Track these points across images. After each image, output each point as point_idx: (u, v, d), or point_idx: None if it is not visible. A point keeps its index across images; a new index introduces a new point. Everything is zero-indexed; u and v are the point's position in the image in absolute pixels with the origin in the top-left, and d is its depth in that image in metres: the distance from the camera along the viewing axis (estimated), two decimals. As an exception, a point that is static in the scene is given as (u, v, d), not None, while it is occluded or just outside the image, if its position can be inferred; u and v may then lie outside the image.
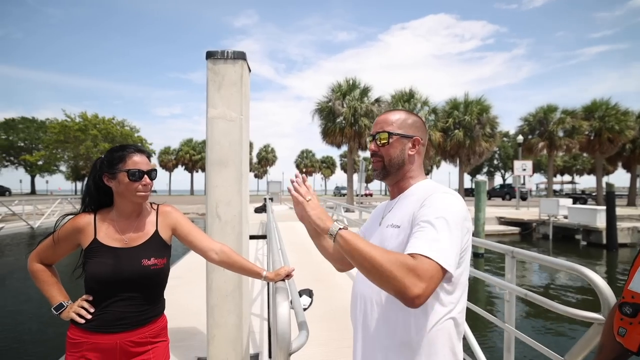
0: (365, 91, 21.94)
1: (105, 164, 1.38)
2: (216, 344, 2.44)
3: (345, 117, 20.95)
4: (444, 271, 0.85)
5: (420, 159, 1.18)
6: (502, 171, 55.45)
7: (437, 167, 59.09)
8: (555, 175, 48.01)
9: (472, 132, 21.59)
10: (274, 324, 1.31)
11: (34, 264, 1.44)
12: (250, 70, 2.72)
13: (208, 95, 2.45)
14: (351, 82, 21.97)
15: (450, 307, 0.98)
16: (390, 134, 1.12)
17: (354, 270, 1.04)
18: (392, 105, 21.49)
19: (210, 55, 2.44)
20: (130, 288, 1.36)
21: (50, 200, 18.00)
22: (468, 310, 2.55)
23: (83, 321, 1.33)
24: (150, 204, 1.54)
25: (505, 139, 46.51)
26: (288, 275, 1.58)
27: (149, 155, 1.45)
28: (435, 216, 0.92)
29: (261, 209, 17.67)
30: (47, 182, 50.33)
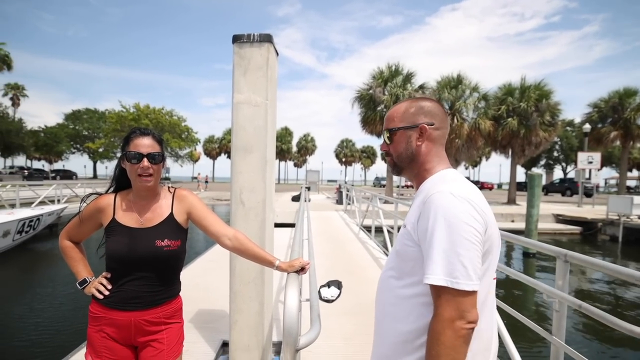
0: (408, 77, 20.96)
1: (121, 146, 1.41)
2: (238, 329, 2.45)
3: (387, 105, 20.15)
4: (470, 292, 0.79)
5: (434, 145, 1.03)
6: (564, 164, 49.56)
7: (487, 158, 55.70)
8: (630, 170, 42.08)
9: (528, 121, 19.43)
10: (283, 317, 1.25)
11: (63, 241, 1.51)
12: (277, 54, 2.64)
13: (234, 80, 2.41)
14: (393, 68, 21.05)
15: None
16: (391, 131, 1.05)
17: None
18: (437, 92, 20.37)
19: (236, 39, 2.39)
20: (144, 267, 1.38)
21: (107, 184, 19.44)
22: (510, 317, 2.36)
23: (102, 297, 1.38)
24: (168, 187, 1.54)
25: (568, 128, 41.95)
26: (302, 269, 1.52)
27: (157, 138, 1.42)
28: (435, 229, 0.83)
29: (298, 198, 17.86)
30: (106, 167, 54.57)
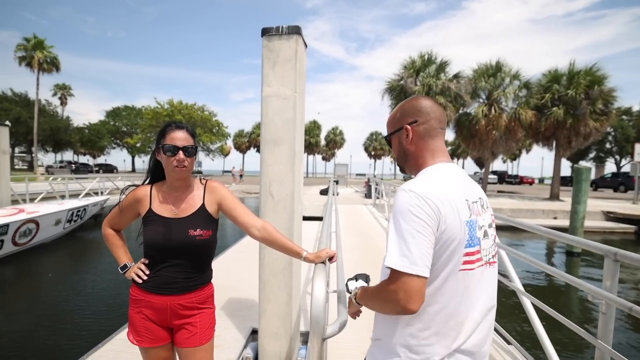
0: (442, 66, 19.86)
1: (156, 139, 1.47)
2: (267, 318, 2.52)
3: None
4: (417, 276, 0.88)
5: (423, 140, 1.09)
6: (617, 157, 44.68)
7: (527, 151, 51.96)
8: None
9: (576, 110, 17.61)
10: (310, 307, 1.27)
11: (106, 228, 1.62)
12: (306, 46, 2.64)
13: (263, 73, 2.44)
14: (426, 57, 20.02)
15: None
16: (386, 138, 1.19)
17: None
18: (473, 81, 19.25)
19: (265, 32, 2.42)
20: (178, 255, 1.44)
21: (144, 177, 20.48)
22: (550, 318, 2.25)
23: (140, 281, 1.47)
24: (200, 179, 1.60)
25: (624, 117, 38.14)
26: (330, 259, 1.53)
27: (191, 132, 1.48)
28: (392, 221, 0.95)
29: (327, 191, 17.88)
30: (143, 161, 57.32)
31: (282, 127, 2.42)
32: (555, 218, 13.98)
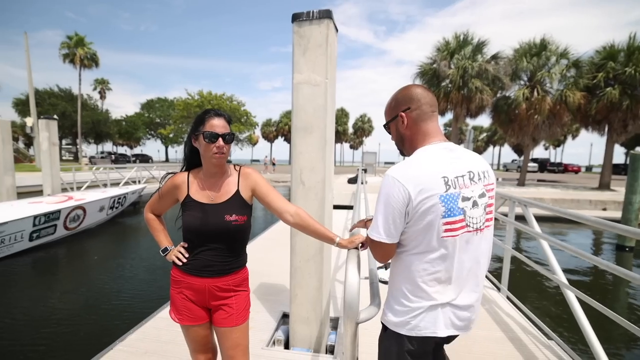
0: (479, 47, 18.58)
1: (193, 126, 1.50)
2: (298, 303, 2.56)
3: (452, 80, 18.25)
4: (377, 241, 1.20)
5: (416, 124, 1.24)
6: None
7: (574, 136, 47.78)
8: None
9: (635, 89, 15.74)
10: (344, 291, 1.26)
11: (147, 213, 1.71)
12: (337, 30, 2.59)
13: (294, 60, 2.42)
14: (461, 37, 18.81)
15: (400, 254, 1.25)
16: (385, 127, 1.36)
17: None
18: (514, 61, 17.79)
19: (295, 17, 2.39)
20: (215, 240, 1.49)
21: (177, 167, 21.36)
22: (596, 314, 2.11)
23: (180, 263, 1.53)
24: (234, 165, 1.62)
25: None
26: (363, 245, 1.52)
27: (228, 119, 1.50)
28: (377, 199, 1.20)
29: (354, 180, 17.74)
30: (176, 151, 59.72)
31: (313, 114, 2.40)
32: (604, 209, 12.96)
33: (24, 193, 12.27)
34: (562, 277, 2.64)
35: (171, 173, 1.62)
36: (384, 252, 1.23)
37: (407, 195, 1.11)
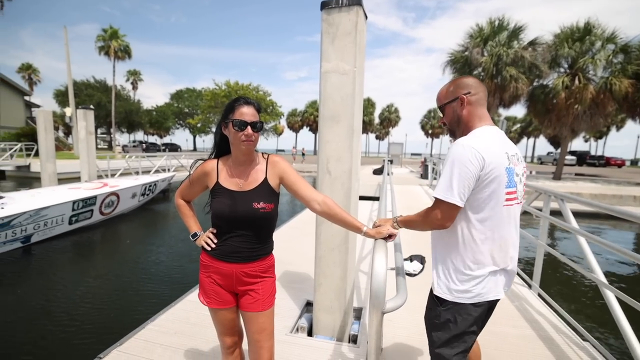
0: (515, 33, 17.44)
1: (223, 114, 1.51)
2: (322, 292, 2.57)
3: (485, 68, 17.23)
4: (449, 203, 1.28)
5: (474, 107, 1.40)
6: None
7: (618, 128, 44.26)
8: None
9: None
10: (371, 281, 1.25)
11: (178, 199, 1.76)
12: (366, 17, 2.53)
13: (322, 48, 2.39)
14: (496, 23, 17.71)
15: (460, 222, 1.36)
16: (440, 108, 1.49)
17: None
18: (553, 48, 16.59)
19: (324, 5, 2.35)
20: (243, 226, 1.52)
21: (205, 156, 21.82)
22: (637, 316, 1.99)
23: (209, 248, 1.58)
24: (262, 153, 1.63)
25: None
26: (390, 236, 1.50)
27: (258, 107, 1.51)
28: (445, 166, 1.30)
29: (380, 171, 17.53)
30: (203, 141, 61.03)
31: (340, 103, 2.37)
32: (650, 207, 12.02)
33: (63, 179, 13.05)
34: (600, 276, 2.50)
35: (201, 160, 1.65)
36: (450, 215, 1.30)
37: (482, 161, 1.24)
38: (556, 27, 17.16)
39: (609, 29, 15.91)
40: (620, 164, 37.87)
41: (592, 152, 48.18)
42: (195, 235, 1.67)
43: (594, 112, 16.11)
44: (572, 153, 38.68)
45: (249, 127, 1.44)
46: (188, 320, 2.84)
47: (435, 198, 1.31)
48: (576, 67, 16.19)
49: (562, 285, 5.80)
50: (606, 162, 37.90)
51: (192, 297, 3.23)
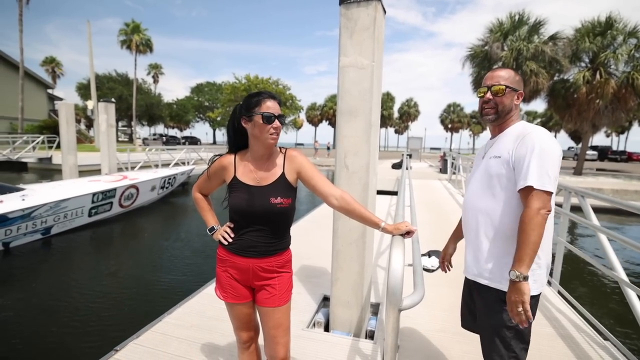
0: (535, 27, 17.42)
1: (244, 107, 1.52)
2: (339, 286, 2.60)
3: (505, 62, 17.12)
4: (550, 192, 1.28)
5: (519, 105, 1.49)
6: None
7: None
8: None
9: None
10: (388, 277, 1.26)
11: (195, 193, 1.78)
12: (385, 12, 2.51)
13: (340, 43, 2.39)
14: (517, 17, 17.71)
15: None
16: (506, 87, 1.45)
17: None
18: (574, 42, 16.65)
19: (343, 0, 2.34)
20: (260, 221, 1.53)
21: (225, 149, 22.07)
22: None
23: (226, 243, 1.59)
24: (279, 148, 1.63)
25: None
26: (409, 232, 1.50)
27: (280, 101, 1.52)
28: (533, 152, 1.29)
29: (398, 165, 17.38)
30: (223, 134, 61.67)
31: (358, 97, 2.37)
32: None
33: (84, 172, 13.43)
34: (622, 274, 2.45)
35: (218, 155, 1.65)
36: (549, 200, 1.28)
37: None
38: (577, 21, 17.17)
39: (631, 23, 15.77)
40: (643, 159, 36.67)
41: (614, 147, 47.43)
42: (212, 229, 1.68)
43: (616, 107, 16.00)
44: (594, 148, 37.80)
45: (277, 120, 1.46)
46: (204, 313, 2.89)
47: (536, 189, 1.25)
48: (597, 62, 16.05)
49: (582, 283, 5.67)
50: (628, 157, 37.17)
51: (209, 291, 3.29)
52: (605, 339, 2.57)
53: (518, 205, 1.35)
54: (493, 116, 1.47)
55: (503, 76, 1.45)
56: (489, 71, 1.54)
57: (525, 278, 1.23)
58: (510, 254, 1.33)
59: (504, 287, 1.35)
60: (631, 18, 20.05)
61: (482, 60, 18.36)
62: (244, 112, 1.50)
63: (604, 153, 37.40)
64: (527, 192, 1.28)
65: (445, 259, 1.91)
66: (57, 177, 12.77)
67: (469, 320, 1.70)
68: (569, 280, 5.05)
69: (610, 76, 15.87)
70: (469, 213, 1.54)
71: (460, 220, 1.75)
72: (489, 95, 1.46)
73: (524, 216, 1.26)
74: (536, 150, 1.27)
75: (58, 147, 18.09)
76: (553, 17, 18.21)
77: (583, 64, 17.11)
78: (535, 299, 1.35)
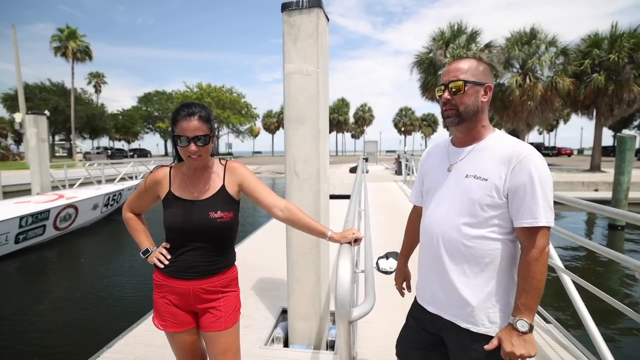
0: (472, 36, 19.46)
1: (170, 123, 1.40)
2: (296, 298, 2.53)
3: None
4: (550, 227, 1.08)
5: (488, 105, 1.19)
6: None
7: (565, 121, 49.15)
8: None
9: (618, 75, 16.84)
10: (335, 288, 1.22)
11: (126, 213, 1.60)
12: (328, 20, 2.51)
13: (284, 49, 2.35)
14: (456, 27, 19.64)
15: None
16: (465, 82, 1.14)
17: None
18: (506, 50, 18.67)
19: (285, 7, 2.31)
20: (199, 238, 1.40)
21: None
22: (592, 297, 2.10)
23: (162, 266, 1.45)
24: (219, 159, 1.54)
25: None
26: (356, 240, 1.45)
27: (204, 116, 1.35)
28: (538, 182, 1.05)
29: (356, 169, 17.69)
30: (175, 145, 59.17)
31: (305, 104, 2.35)
32: (596, 190, 13.36)
33: (10, 192, 12.09)
34: (557, 261, 2.63)
35: (161, 166, 1.52)
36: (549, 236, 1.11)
37: None
38: (507, 32, 19.55)
39: (550, 34, 18.32)
40: (569, 153, 42.21)
41: (546, 144, 53.30)
42: (146, 251, 1.52)
43: (544, 108, 18.15)
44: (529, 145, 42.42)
45: (192, 144, 1.32)
46: (151, 342, 2.64)
47: (542, 227, 1.05)
48: (526, 68, 18.20)
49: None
50: (558, 152, 42.06)
51: (150, 321, 3.03)
52: (548, 322, 2.75)
53: (507, 235, 1.13)
54: (455, 119, 1.17)
55: (462, 69, 1.15)
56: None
57: (532, 328, 1.05)
58: (499, 293, 1.14)
59: (491, 332, 1.13)
60: (550, 29, 23.01)
61: (428, 66, 19.95)
62: (171, 128, 1.38)
63: (538, 149, 40.32)
64: (533, 230, 1.06)
65: (401, 283, 1.65)
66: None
67: (412, 358, 1.42)
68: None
69: (538, 80, 17.97)
70: (439, 240, 1.22)
71: (407, 238, 1.59)
72: (446, 95, 1.17)
73: (530, 257, 1.06)
74: (536, 180, 1.05)
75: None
76: (487, 28, 20.28)
77: (515, 70, 19.11)
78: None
